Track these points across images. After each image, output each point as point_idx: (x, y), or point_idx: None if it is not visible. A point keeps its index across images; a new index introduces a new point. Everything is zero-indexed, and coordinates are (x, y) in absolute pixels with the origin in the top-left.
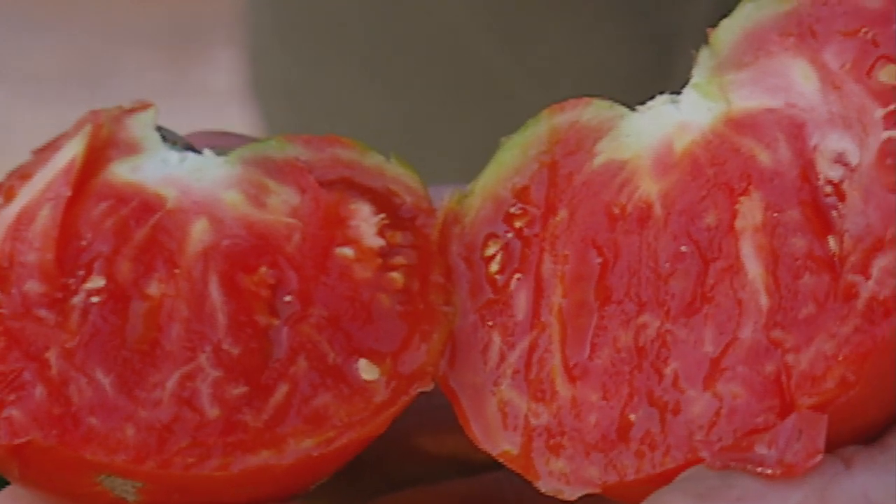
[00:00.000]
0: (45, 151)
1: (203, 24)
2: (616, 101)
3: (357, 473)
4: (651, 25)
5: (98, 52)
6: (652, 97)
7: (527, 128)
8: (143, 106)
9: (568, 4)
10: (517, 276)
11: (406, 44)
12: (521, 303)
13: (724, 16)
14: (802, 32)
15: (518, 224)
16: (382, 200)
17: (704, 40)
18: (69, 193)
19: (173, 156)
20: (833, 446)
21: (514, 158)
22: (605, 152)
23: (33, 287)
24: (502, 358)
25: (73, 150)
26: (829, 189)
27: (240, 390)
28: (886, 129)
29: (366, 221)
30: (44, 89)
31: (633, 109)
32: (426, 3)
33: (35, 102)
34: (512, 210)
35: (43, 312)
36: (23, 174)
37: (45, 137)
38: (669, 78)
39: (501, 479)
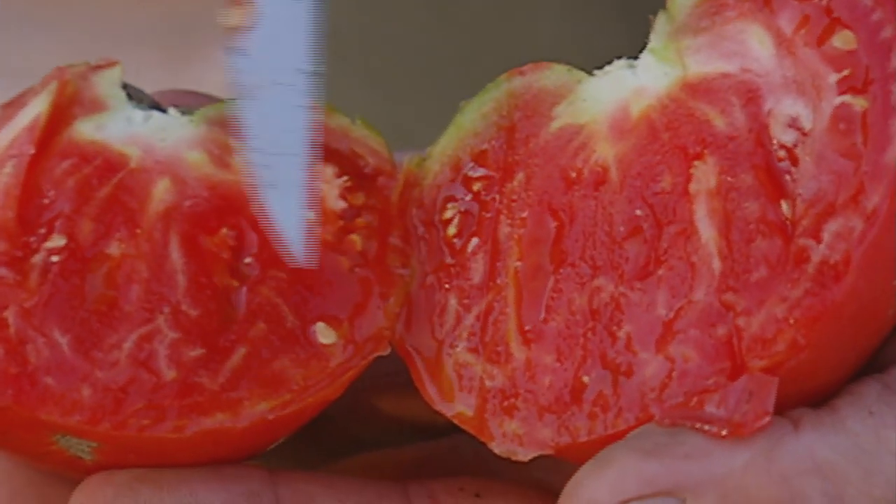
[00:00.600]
0: (11, 108)
1: (198, 21)
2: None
3: (319, 434)
4: (640, 12)
5: (94, 49)
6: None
7: (486, 92)
8: (110, 63)
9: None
10: (474, 239)
11: (390, 35)
12: (478, 266)
13: None
14: None
15: (476, 187)
16: (346, 162)
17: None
18: (32, 151)
19: (138, 114)
20: (782, 409)
21: (472, 122)
22: (563, 116)
23: None
24: (458, 321)
25: (37, 108)
26: (782, 153)
27: (197, 352)
28: (840, 94)
29: (328, 183)
30: None
31: (591, 74)
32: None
33: None
34: (470, 173)
35: (2, 271)
36: None
37: None
38: None
39: (459, 442)
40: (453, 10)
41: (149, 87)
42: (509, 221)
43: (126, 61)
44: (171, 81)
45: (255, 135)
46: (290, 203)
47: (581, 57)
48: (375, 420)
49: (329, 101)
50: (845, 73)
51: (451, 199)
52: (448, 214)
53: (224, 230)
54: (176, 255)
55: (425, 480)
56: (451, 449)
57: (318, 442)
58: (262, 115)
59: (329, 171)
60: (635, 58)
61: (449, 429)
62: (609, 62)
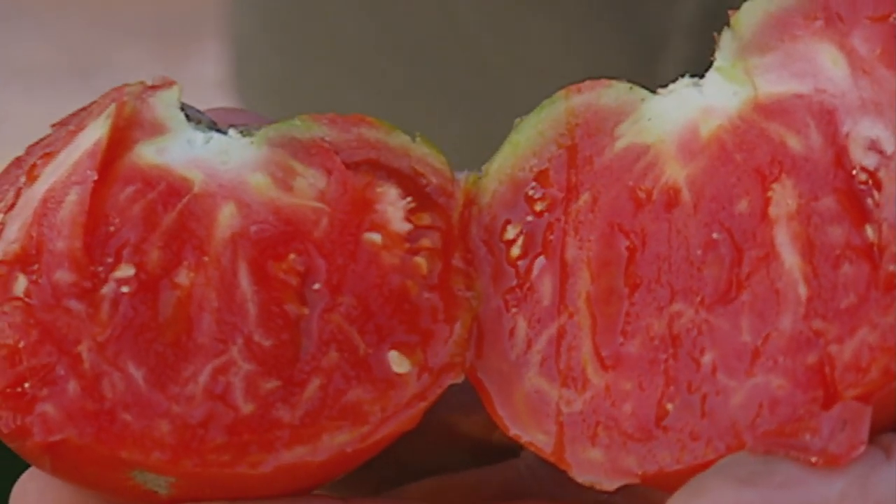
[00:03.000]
0: (65, 126)
1: (194, 16)
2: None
3: (369, 461)
4: (640, 23)
5: (89, 44)
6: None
7: (542, 109)
8: (167, 83)
9: (559, 1)
10: (540, 259)
11: (392, 39)
12: (546, 288)
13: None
14: (829, 16)
15: (538, 207)
16: (408, 182)
17: (690, 38)
18: (96, 177)
19: (198, 136)
20: (872, 433)
21: (530, 140)
22: (627, 136)
23: (63, 276)
24: (529, 344)
25: (97, 132)
26: (863, 177)
27: (272, 384)
28: None
29: (393, 205)
30: (35, 81)
31: (653, 92)
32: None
33: (26, 94)
34: (531, 193)
35: (73, 304)
36: (45, 152)
37: (37, 129)
38: (657, 75)
39: (519, 467)
40: (453, 23)
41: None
42: (577, 242)
43: (123, 57)
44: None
45: None
46: None
47: (582, 72)
48: (422, 443)
49: (333, 108)
50: None
51: (513, 219)
52: (510, 235)
53: (292, 256)
54: (245, 282)
55: None
56: (510, 474)
57: (367, 469)
58: None
59: (393, 192)
60: (700, 76)
61: (498, 450)
62: (614, 67)
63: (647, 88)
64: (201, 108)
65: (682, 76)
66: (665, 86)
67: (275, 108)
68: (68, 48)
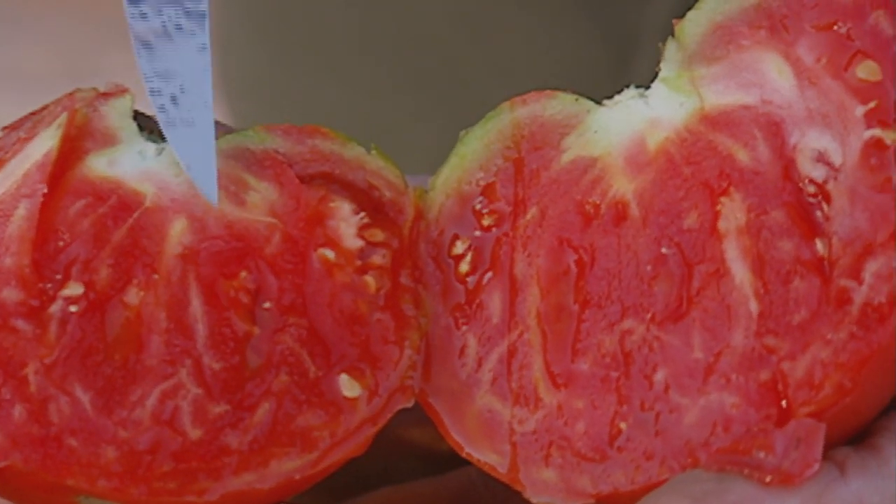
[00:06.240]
0: (16, 131)
1: None
2: (581, 95)
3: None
4: (615, 23)
5: (81, 48)
6: (618, 91)
7: (487, 121)
8: (120, 91)
9: (535, 2)
10: (488, 275)
11: (373, 40)
12: (496, 305)
13: (689, 7)
14: (773, 25)
15: (486, 222)
16: (362, 196)
17: (665, 38)
18: (45, 191)
19: (150, 148)
20: (825, 448)
21: (476, 153)
22: (573, 148)
23: (10, 295)
24: (480, 363)
25: (48, 142)
26: (812, 189)
27: (221, 409)
28: (868, 127)
29: (346, 221)
30: (27, 85)
31: (598, 104)
32: (395, 1)
33: (18, 98)
34: (479, 207)
35: (20, 323)
36: None
37: None
38: (631, 75)
39: (472, 475)
40: (433, 25)
41: (134, 86)
42: (526, 258)
43: (114, 60)
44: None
45: (157, 78)
46: (198, 142)
47: (558, 72)
48: (379, 452)
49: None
50: (872, 104)
51: (461, 233)
52: (459, 250)
53: (243, 273)
54: (196, 302)
55: None
56: (464, 484)
57: (324, 480)
58: (160, 61)
59: (346, 207)
60: (646, 87)
61: (452, 457)
62: (582, 81)
63: (616, 90)
64: None
65: (634, 86)
66: (641, 86)
67: (259, 109)
68: (60, 52)
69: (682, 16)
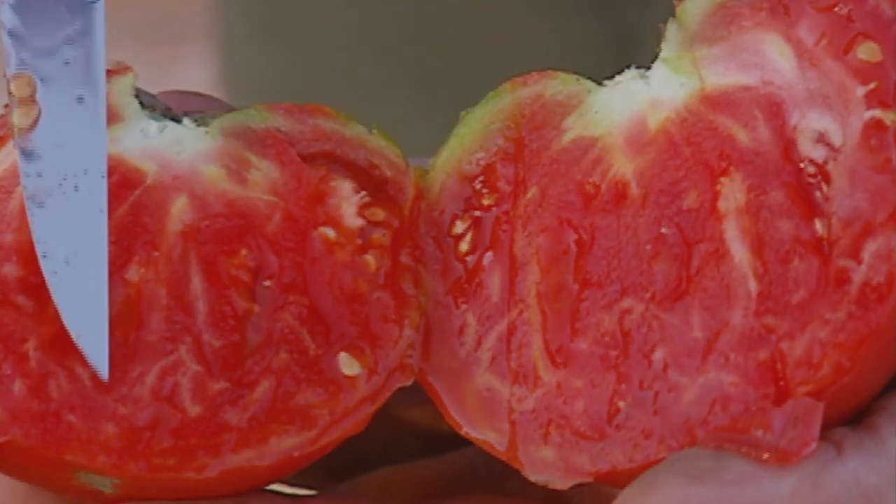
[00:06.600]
0: None
1: (181, 20)
2: (582, 76)
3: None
4: (616, 23)
5: None
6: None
7: (488, 101)
8: (123, 69)
9: (536, 1)
10: (488, 255)
11: (374, 40)
12: (495, 284)
13: None
14: (774, 6)
15: (486, 202)
16: (363, 175)
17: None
18: None
19: (152, 126)
20: (823, 428)
21: (476, 133)
22: (574, 128)
23: (11, 271)
24: (479, 342)
25: None
26: (812, 170)
27: (221, 386)
28: (868, 108)
29: (346, 200)
30: None
31: (599, 84)
32: (395, 1)
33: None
34: (479, 187)
35: (21, 299)
36: None
37: None
38: None
39: (471, 456)
40: (435, 25)
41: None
42: (526, 237)
43: (110, 60)
44: (156, 80)
45: (47, 239)
46: (89, 310)
47: (559, 59)
48: (378, 432)
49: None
50: (872, 85)
51: (461, 213)
52: (459, 229)
53: (244, 252)
54: (196, 280)
55: (443, 499)
56: (464, 464)
57: (322, 459)
58: (54, 220)
59: (347, 186)
60: (647, 67)
61: (452, 437)
62: (590, 67)
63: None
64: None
65: (634, 66)
66: (642, 67)
67: None
68: None
69: None
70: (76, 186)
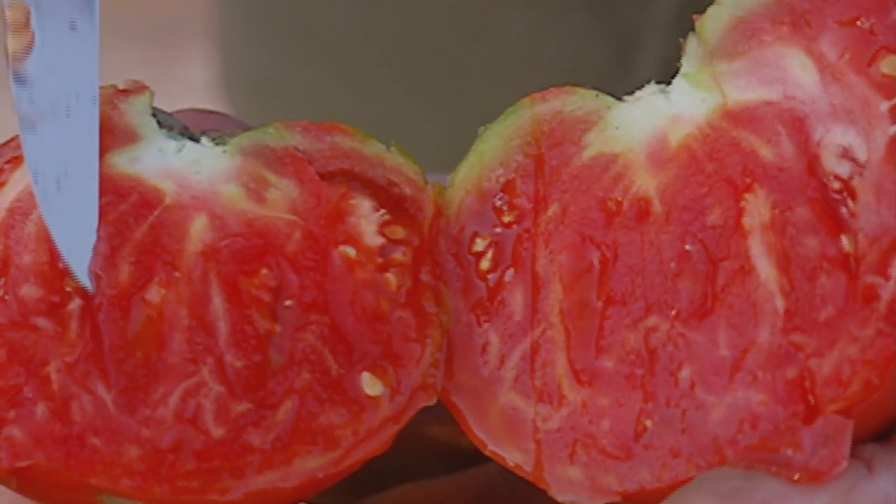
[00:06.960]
0: None
1: (182, 19)
2: (601, 91)
3: None
4: (616, 23)
5: None
6: (633, 90)
7: (506, 117)
8: (139, 88)
9: (536, 3)
10: (510, 272)
11: (374, 40)
12: (518, 302)
13: (690, 7)
14: (795, 21)
15: (507, 219)
16: (382, 193)
17: (666, 37)
18: None
19: (170, 145)
20: (853, 445)
21: (495, 149)
22: (595, 144)
23: (30, 292)
24: (502, 360)
25: None
26: (837, 185)
27: (244, 407)
28: (893, 122)
29: (366, 218)
30: None
31: (618, 99)
32: (395, 1)
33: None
34: (499, 204)
35: (41, 321)
36: (13, 156)
37: None
38: (632, 75)
39: (493, 474)
40: (435, 26)
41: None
42: (548, 254)
43: (111, 60)
44: (156, 80)
45: (39, 163)
46: (78, 231)
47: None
48: (398, 450)
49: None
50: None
51: (481, 230)
52: (479, 247)
53: (264, 271)
54: (217, 300)
55: None
56: (483, 480)
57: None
58: (46, 144)
59: (367, 204)
60: (667, 83)
61: (472, 454)
62: (591, 84)
63: (623, 89)
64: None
65: (654, 81)
66: (640, 87)
67: (262, 110)
68: None
69: (683, 15)
70: (68, 111)
